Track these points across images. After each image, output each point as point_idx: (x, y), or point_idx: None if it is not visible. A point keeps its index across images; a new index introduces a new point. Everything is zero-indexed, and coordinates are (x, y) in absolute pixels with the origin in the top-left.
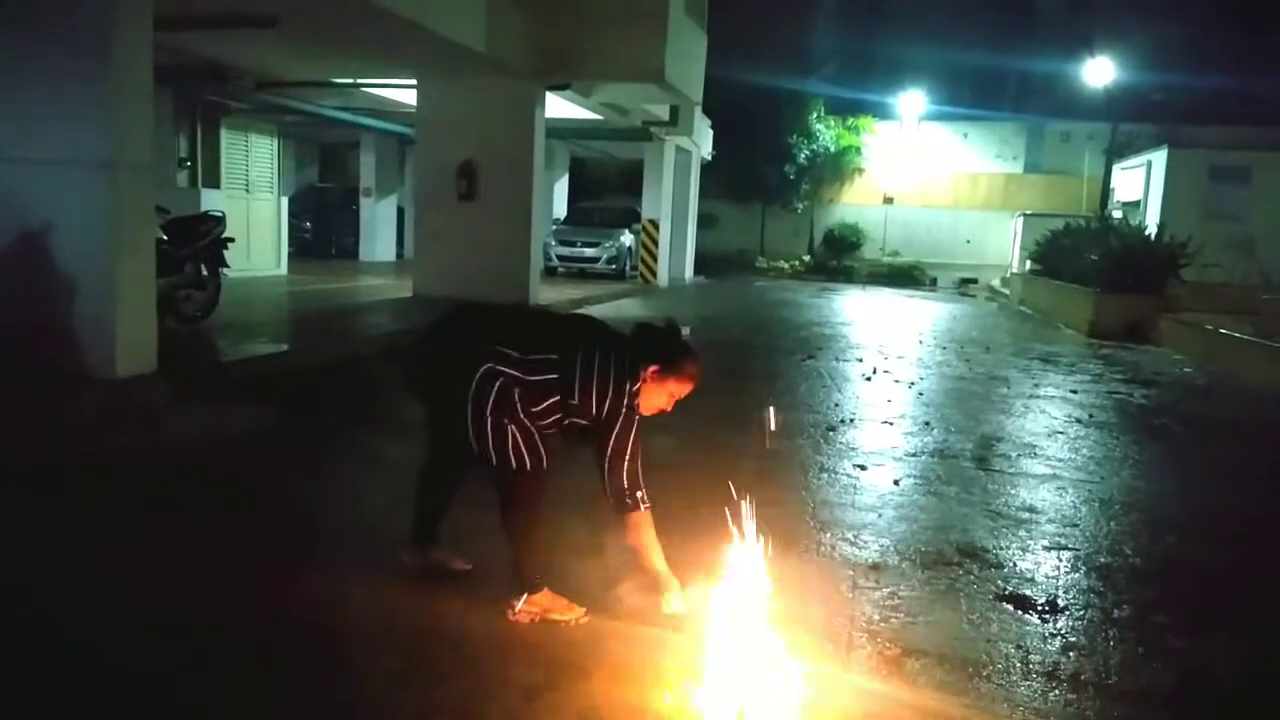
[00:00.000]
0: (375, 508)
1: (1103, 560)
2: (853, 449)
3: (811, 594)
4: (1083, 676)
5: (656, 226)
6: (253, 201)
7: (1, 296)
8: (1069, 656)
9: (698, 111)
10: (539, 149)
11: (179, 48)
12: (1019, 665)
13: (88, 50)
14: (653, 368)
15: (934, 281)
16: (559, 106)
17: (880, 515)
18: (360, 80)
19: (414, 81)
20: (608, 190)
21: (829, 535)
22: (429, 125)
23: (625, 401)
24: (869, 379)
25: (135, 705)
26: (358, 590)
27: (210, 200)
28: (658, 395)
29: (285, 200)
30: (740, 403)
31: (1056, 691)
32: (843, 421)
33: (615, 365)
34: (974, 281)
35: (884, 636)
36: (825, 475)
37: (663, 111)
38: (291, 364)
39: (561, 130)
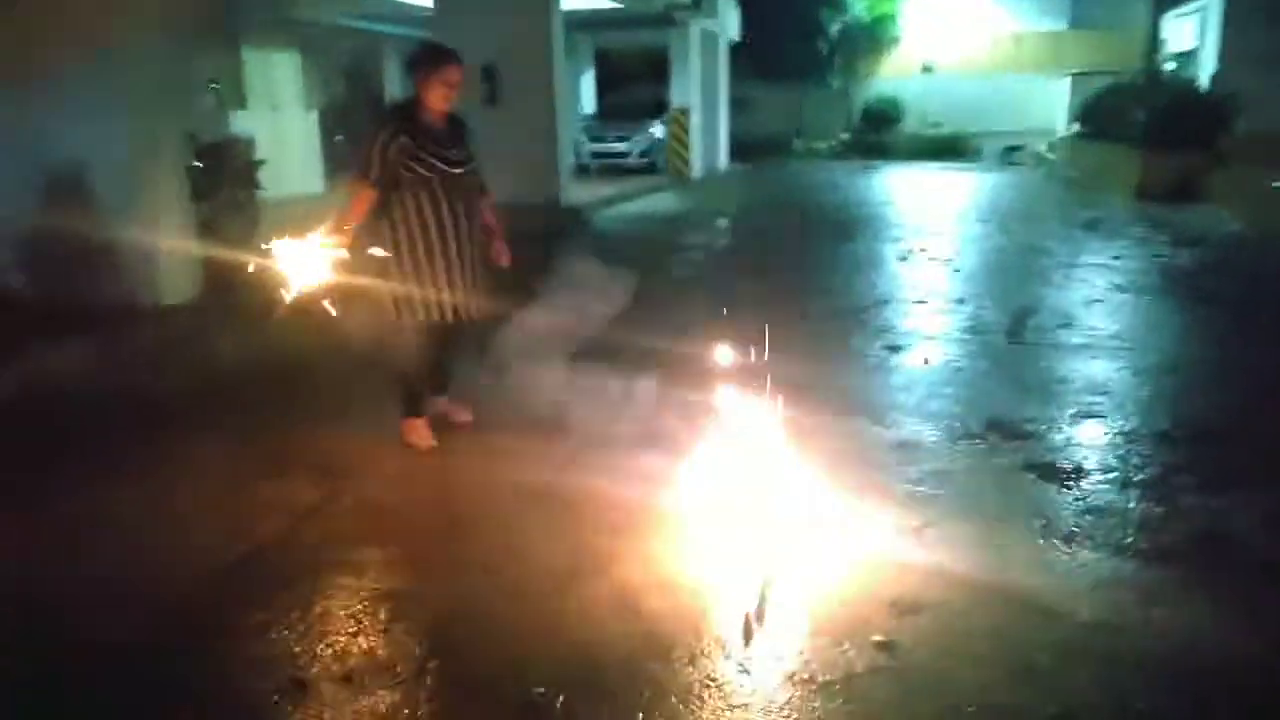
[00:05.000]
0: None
1: (1130, 426)
2: (885, 330)
3: (840, 470)
4: (1099, 537)
5: (687, 115)
6: (282, 120)
7: (45, 231)
8: (1087, 519)
9: None
10: (558, 44)
11: None
12: (1039, 529)
13: None
14: (418, 76)
15: (978, 152)
16: None
17: (910, 393)
18: None
19: None
20: (636, 81)
21: (859, 414)
22: (446, 27)
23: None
24: (904, 259)
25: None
26: (403, 490)
27: (239, 121)
28: (433, 89)
29: (315, 115)
30: (778, 289)
31: (1075, 552)
32: (876, 303)
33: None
34: (1020, 149)
35: (909, 508)
36: (857, 357)
37: None
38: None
39: (583, 21)
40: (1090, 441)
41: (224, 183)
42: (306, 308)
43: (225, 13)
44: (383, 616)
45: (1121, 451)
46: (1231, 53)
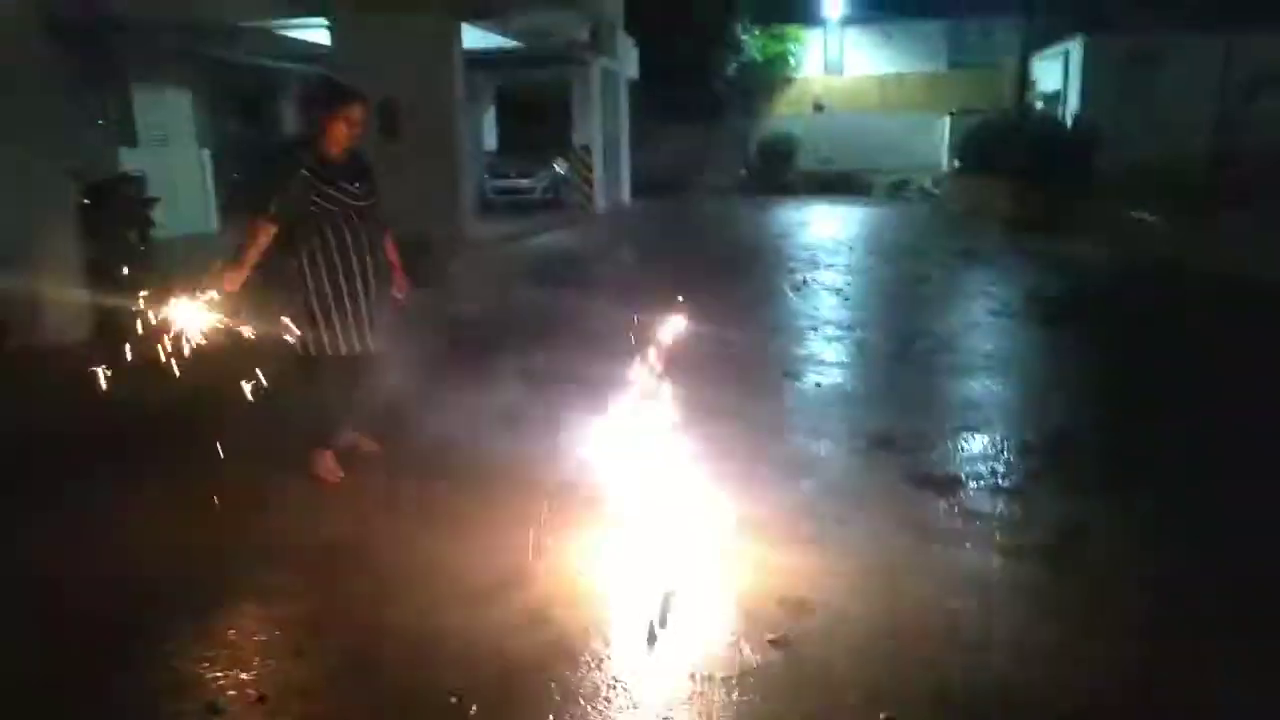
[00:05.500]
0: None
1: (999, 437)
2: (780, 355)
3: (736, 484)
4: (970, 538)
5: (589, 151)
6: (173, 157)
7: None
8: (959, 522)
9: (620, 32)
10: (459, 82)
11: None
12: (916, 531)
13: None
14: (316, 114)
15: (868, 187)
16: (479, 37)
17: (802, 414)
18: (272, 23)
19: (325, 20)
20: (538, 119)
21: (754, 433)
22: (346, 66)
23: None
24: (798, 290)
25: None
26: (313, 520)
27: (129, 159)
28: (333, 128)
29: (208, 154)
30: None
31: (949, 551)
32: (772, 331)
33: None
34: (906, 183)
35: (800, 516)
36: (753, 381)
37: (583, 34)
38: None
39: (484, 61)
40: (963, 453)
41: (113, 221)
42: (203, 347)
43: (115, 47)
44: (296, 639)
45: (991, 461)
46: (1092, 92)
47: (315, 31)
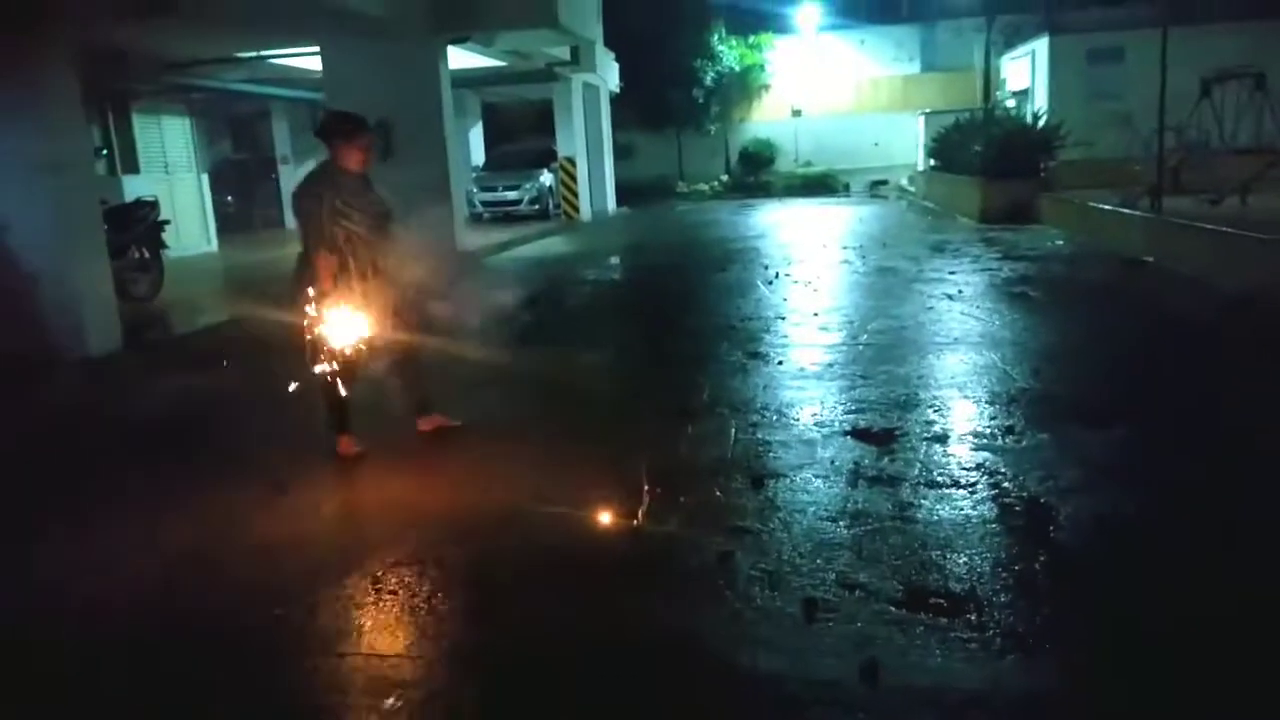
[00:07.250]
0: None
1: (935, 401)
2: (748, 339)
3: (701, 442)
4: (891, 474)
5: (573, 163)
6: (174, 182)
7: None
8: (886, 462)
9: (599, 46)
10: (447, 101)
11: (81, 37)
12: (850, 474)
13: (20, 65)
14: (335, 143)
15: (846, 187)
16: (463, 57)
17: (765, 388)
18: (265, 53)
19: (317, 49)
20: (523, 132)
21: (719, 405)
22: (336, 90)
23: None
24: (770, 283)
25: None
26: (342, 479)
27: (132, 186)
28: (350, 155)
29: (205, 178)
30: (659, 317)
31: (874, 488)
32: (742, 320)
33: (306, 191)
34: (884, 183)
35: (752, 468)
36: (721, 362)
37: (564, 52)
38: (241, 331)
39: (469, 79)
40: (904, 415)
41: (131, 242)
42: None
43: (115, 79)
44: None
45: (926, 419)
46: (1058, 90)
47: (307, 59)
